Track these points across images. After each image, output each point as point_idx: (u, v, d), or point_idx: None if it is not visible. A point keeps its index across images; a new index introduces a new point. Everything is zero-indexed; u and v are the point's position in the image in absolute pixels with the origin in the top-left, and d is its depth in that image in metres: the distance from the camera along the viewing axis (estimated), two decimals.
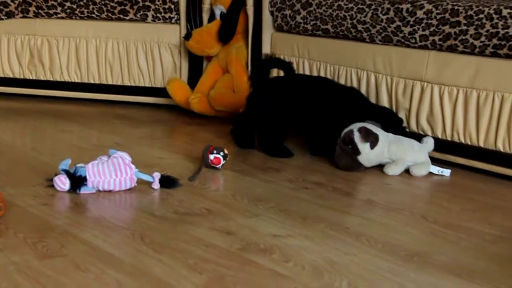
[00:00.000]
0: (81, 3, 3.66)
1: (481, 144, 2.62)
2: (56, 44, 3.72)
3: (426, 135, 2.75)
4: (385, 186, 2.47)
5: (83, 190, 2.21)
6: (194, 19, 3.60)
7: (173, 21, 3.65)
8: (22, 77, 3.80)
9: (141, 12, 3.63)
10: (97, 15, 3.69)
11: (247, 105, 2.87)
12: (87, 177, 2.20)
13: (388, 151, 2.60)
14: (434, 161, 2.67)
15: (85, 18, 3.71)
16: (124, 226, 1.94)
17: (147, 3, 3.61)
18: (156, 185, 2.29)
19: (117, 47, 3.69)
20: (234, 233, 1.92)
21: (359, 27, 2.93)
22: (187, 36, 3.49)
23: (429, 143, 2.67)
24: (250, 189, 2.37)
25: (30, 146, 2.84)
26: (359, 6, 2.93)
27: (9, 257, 1.68)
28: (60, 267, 1.64)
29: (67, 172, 2.20)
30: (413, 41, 2.77)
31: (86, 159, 2.33)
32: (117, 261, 1.69)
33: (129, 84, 3.73)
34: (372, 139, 2.56)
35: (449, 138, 2.71)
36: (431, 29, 2.70)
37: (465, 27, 2.60)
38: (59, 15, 3.72)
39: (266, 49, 3.38)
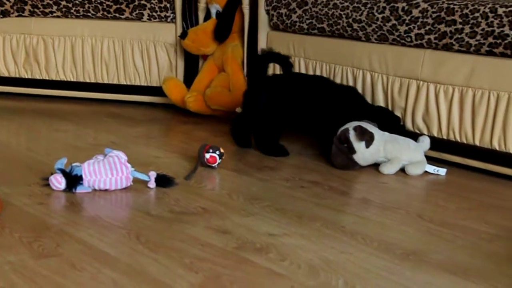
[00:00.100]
0: (77, 2, 3.66)
1: (477, 143, 2.62)
2: (52, 43, 3.72)
3: (422, 134, 2.75)
4: (381, 185, 2.47)
5: (79, 189, 2.20)
6: (190, 18, 3.60)
7: (169, 20, 3.64)
8: (17, 76, 3.80)
9: (137, 11, 3.63)
10: (92, 14, 3.68)
11: (243, 101, 2.87)
12: (83, 176, 2.20)
13: (383, 150, 2.60)
14: (430, 159, 2.68)
15: (81, 17, 3.71)
16: (120, 225, 1.94)
17: (142, 2, 3.61)
18: (152, 184, 2.29)
19: (113, 46, 3.69)
20: (230, 232, 1.92)
21: (355, 25, 2.93)
22: (183, 35, 3.49)
23: (425, 142, 2.67)
24: (246, 188, 2.37)
25: (25, 145, 2.84)
26: (355, 4, 2.93)
27: (5, 257, 1.68)
28: (55, 266, 1.64)
29: (62, 171, 2.20)
30: (409, 39, 2.77)
31: (82, 158, 2.32)
32: (113, 260, 1.69)
33: (125, 83, 3.72)
34: (368, 138, 2.56)
35: (444, 137, 2.71)
36: (427, 27, 2.70)
37: (460, 26, 2.60)
38: (54, 14, 3.71)
39: (266, 48, 3.37)
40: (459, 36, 2.61)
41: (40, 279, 1.57)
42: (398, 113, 2.82)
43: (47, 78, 3.77)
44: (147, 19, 3.65)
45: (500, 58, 2.54)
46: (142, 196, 2.22)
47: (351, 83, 2.98)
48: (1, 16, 3.73)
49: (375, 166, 2.64)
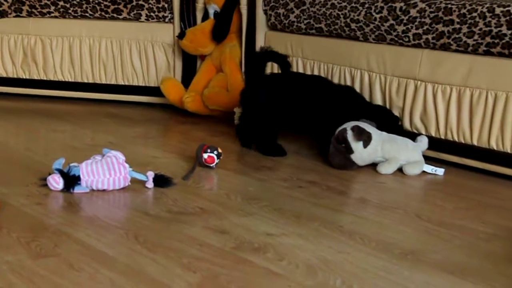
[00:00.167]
0: (75, 2, 3.66)
1: (475, 143, 2.62)
2: (50, 43, 3.72)
3: (420, 134, 2.75)
4: (378, 185, 2.47)
5: (77, 190, 2.20)
6: (188, 18, 3.60)
7: (166, 20, 3.64)
8: (15, 76, 3.79)
9: (135, 11, 3.63)
10: (90, 14, 3.68)
11: (241, 100, 2.86)
12: (81, 176, 2.20)
13: (381, 149, 2.60)
14: (428, 159, 2.68)
15: (79, 17, 3.71)
16: (118, 225, 1.94)
17: (140, 2, 3.61)
18: (150, 184, 2.29)
19: (110, 46, 3.69)
20: (228, 232, 1.92)
21: (353, 25, 2.93)
22: (181, 35, 3.49)
23: (423, 142, 2.68)
24: (244, 188, 2.37)
25: (23, 145, 2.83)
26: (353, 4, 2.93)
27: (3, 257, 1.68)
28: (53, 266, 1.64)
29: (60, 172, 2.20)
30: (407, 39, 2.77)
31: (80, 158, 2.32)
32: (110, 260, 1.69)
33: (123, 83, 3.72)
34: (365, 138, 2.56)
35: (442, 137, 2.71)
36: (425, 27, 2.70)
37: (458, 26, 2.61)
38: (52, 14, 3.71)
39: (265, 48, 3.37)
40: (457, 36, 2.61)
41: (38, 279, 1.57)
42: (396, 113, 2.82)
43: (45, 79, 3.77)
44: (145, 19, 3.65)
45: (497, 58, 2.54)
46: (140, 196, 2.22)
47: (349, 83, 2.99)
48: None
49: (373, 166, 2.64)
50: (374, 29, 2.86)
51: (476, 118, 2.60)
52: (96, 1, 3.64)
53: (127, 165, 2.24)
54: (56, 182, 2.20)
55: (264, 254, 1.77)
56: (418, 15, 2.71)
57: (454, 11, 2.62)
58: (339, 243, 1.87)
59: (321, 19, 3.06)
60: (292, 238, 1.89)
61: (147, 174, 2.29)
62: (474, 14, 2.56)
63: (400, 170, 2.61)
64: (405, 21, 2.75)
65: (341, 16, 2.97)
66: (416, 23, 2.72)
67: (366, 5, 2.88)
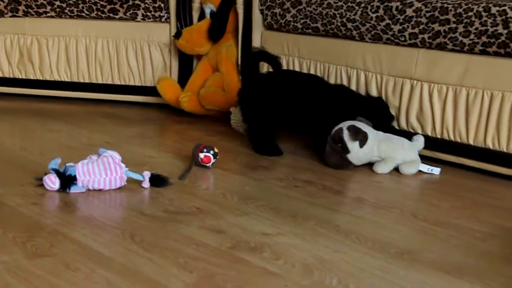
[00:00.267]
0: (71, 2, 3.65)
1: (471, 142, 2.63)
2: (46, 43, 3.71)
3: (416, 133, 2.75)
4: (375, 184, 2.47)
5: (73, 189, 2.20)
6: (184, 18, 3.60)
7: (163, 19, 3.64)
8: (11, 76, 3.79)
9: (131, 11, 3.63)
10: (86, 14, 3.68)
11: (238, 100, 2.86)
12: (77, 176, 2.19)
13: (377, 149, 2.60)
14: (424, 158, 2.68)
15: (75, 17, 3.70)
16: (114, 225, 1.94)
17: (136, 2, 3.61)
18: (146, 184, 2.29)
19: (107, 46, 3.69)
20: (224, 231, 1.92)
21: (349, 25, 2.93)
22: (177, 35, 3.49)
23: (419, 141, 2.68)
24: (240, 187, 2.37)
25: (19, 145, 2.83)
26: (349, 4, 2.93)
27: None
28: (49, 266, 1.64)
29: (56, 171, 2.20)
30: (403, 39, 2.77)
31: (76, 158, 2.32)
32: (107, 260, 1.69)
33: (119, 83, 3.72)
34: (361, 138, 2.56)
35: (439, 136, 2.72)
36: (421, 27, 2.70)
37: (454, 25, 2.61)
38: (48, 14, 3.71)
39: (259, 47, 3.38)
40: (453, 35, 2.62)
41: (34, 279, 1.57)
42: (392, 112, 2.82)
43: (41, 78, 3.77)
44: (141, 19, 3.65)
45: (493, 57, 2.55)
46: (136, 196, 2.22)
47: (345, 83, 2.98)
48: None
49: (369, 165, 2.64)
50: (370, 29, 2.86)
51: (472, 117, 2.60)
52: (92, 1, 3.63)
53: (123, 165, 2.24)
54: (52, 182, 2.19)
55: (260, 254, 1.77)
56: (414, 14, 2.72)
57: (450, 10, 2.62)
58: (336, 242, 1.87)
59: (318, 18, 3.06)
60: (288, 237, 1.90)
61: (143, 173, 2.29)
62: (470, 14, 2.56)
63: (396, 169, 2.61)
64: (401, 20, 2.75)
65: (337, 15, 2.97)
66: (412, 23, 2.72)
67: (362, 5, 2.88)
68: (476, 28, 2.55)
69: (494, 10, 2.51)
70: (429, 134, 2.74)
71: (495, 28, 2.50)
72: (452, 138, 2.68)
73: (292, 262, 1.72)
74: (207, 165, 2.55)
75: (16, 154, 2.68)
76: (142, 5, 3.61)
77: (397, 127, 2.82)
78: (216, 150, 2.56)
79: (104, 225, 1.93)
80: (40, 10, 3.69)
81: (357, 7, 2.89)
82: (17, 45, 3.74)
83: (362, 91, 2.93)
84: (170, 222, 1.97)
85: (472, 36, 2.56)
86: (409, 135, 2.73)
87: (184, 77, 3.62)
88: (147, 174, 2.29)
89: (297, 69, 3.20)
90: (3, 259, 1.66)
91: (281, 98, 2.78)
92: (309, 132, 2.84)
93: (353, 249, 1.83)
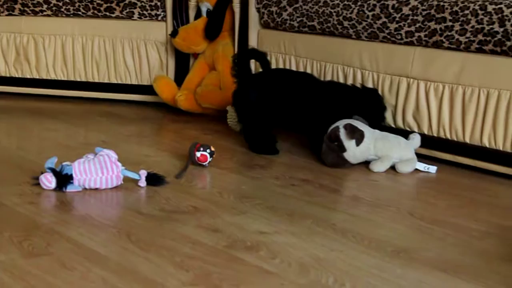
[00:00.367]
0: (67, 0, 3.65)
1: (467, 140, 2.63)
2: (42, 42, 3.71)
3: (412, 132, 2.75)
4: (371, 183, 2.47)
5: (69, 188, 2.20)
6: (180, 16, 3.60)
7: (159, 18, 3.64)
8: (8, 75, 3.79)
9: (127, 10, 3.62)
10: (83, 13, 3.67)
11: (233, 100, 2.86)
12: (73, 175, 2.19)
13: (374, 147, 2.60)
14: (420, 157, 2.68)
15: (71, 15, 3.70)
16: (110, 224, 1.94)
17: (133, 0, 3.60)
18: (143, 183, 2.29)
19: (103, 45, 3.68)
20: (221, 230, 1.92)
21: (345, 23, 2.93)
22: (174, 33, 3.49)
23: (415, 140, 2.68)
24: (236, 186, 2.37)
25: (15, 144, 2.83)
26: (345, 2, 2.93)
27: None
28: (46, 265, 1.64)
29: (53, 170, 2.20)
30: (399, 37, 2.77)
31: (73, 157, 2.32)
32: (103, 259, 1.69)
33: (115, 82, 3.72)
34: (358, 136, 2.56)
35: (435, 134, 2.72)
36: (417, 25, 2.70)
37: (450, 23, 2.61)
38: (44, 13, 3.70)
39: (252, 46, 3.38)
40: (449, 34, 2.62)
41: (30, 278, 1.57)
42: (388, 110, 2.82)
43: (37, 77, 3.76)
44: (138, 17, 3.64)
45: (490, 56, 2.55)
46: (132, 195, 2.22)
47: (341, 81, 2.98)
48: None
49: (366, 164, 2.64)
50: (367, 27, 2.86)
51: (469, 115, 2.60)
52: (89, 0, 3.63)
53: (119, 164, 2.24)
54: (49, 181, 2.19)
55: (256, 253, 1.77)
56: (410, 12, 2.72)
57: (446, 8, 2.62)
58: (332, 241, 1.88)
59: (314, 17, 3.06)
60: (284, 236, 1.90)
61: (140, 172, 2.29)
62: (466, 12, 2.56)
63: (392, 168, 2.61)
64: (397, 19, 2.75)
65: (334, 14, 2.97)
66: (409, 21, 2.72)
67: (359, 3, 2.88)
68: (473, 26, 2.55)
69: (490, 8, 2.51)
70: (426, 132, 2.74)
71: (491, 26, 2.50)
72: (448, 136, 2.68)
73: (288, 261, 1.72)
74: (204, 164, 2.55)
75: (13, 153, 2.68)
76: (139, 4, 3.61)
77: (393, 125, 2.82)
78: (212, 149, 2.56)
79: (101, 224, 1.93)
80: (37, 9, 3.69)
81: (353, 6, 2.89)
82: (13, 44, 3.74)
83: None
84: (166, 221, 1.97)
85: (468, 34, 2.56)
86: (405, 133, 2.73)
87: (180, 75, 3.62)
88: (143, 173, 2.29)
89: (293, 67, 3.20)
90: None
91: (274, 97, 2.78)
92: (305, 131, 2.84)
93: (349, 247, 1.83)
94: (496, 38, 2.49)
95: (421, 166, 2.62)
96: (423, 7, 2.68)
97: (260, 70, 2.95)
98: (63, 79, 3.75)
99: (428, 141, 2.72)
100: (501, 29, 2.47)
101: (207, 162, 2.55)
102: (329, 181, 2.46)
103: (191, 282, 1.58)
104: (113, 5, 3.62)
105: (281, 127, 2.89)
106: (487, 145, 2.57)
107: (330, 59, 3.04)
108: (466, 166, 2.66)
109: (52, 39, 3.70)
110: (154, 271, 1.63)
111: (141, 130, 3.17)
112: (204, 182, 2.42)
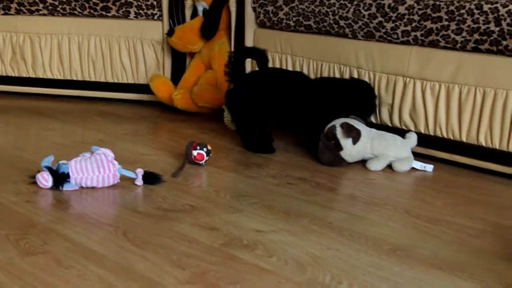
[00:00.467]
0: None
1: (464, 139, 2.63)
2: (38, 41, 3.71)
3: (409, 130, 2.76)
4: (368, 181, 2.47)
5: (66, 187, 2.20)
6: (176, 16, 3.60)
7: (155, 17, 3.64)
8: (4, 74, 3.79)
9: (124, 9, 3.62)
10: (79, 12, 3.67)
11: (226, 99, 2.85)
12: (70, 174, 2.19)
13: (370, 146, 2.61)
14: (417, 156, 2.69)
15: (67, 14, 3.70)
16: (107, 222, 1.94)
17: (129, 0, 3.60)
18: (139, 182, 2.29)
19: (99, 44, 3.68)
20: (218, 228, 1.92)
21: (342, 22, 2.93)
22: (170, 33, 3.49)
23: (412, 139, 2.68)
24: (233, 185, 2.37)
25: (12, 143, 2.83)
26: (341, 1, 2.93)
27: None
28: (42, 264, 1.64)
29: (49, 169, 2.20)
30: (395, 36, 2.78)
31: (69, 156, 2.32)
32: (100, 258, 1.69)
33: (112, 81, 3.72)
34: (354, 135, 2.56)
35: (431, 133, 2.72)
36: (413, 24, 2.71)
37: (446, 23, 2.61)
38: (41, 12, 3.70)
39: (248, 45, 3.38)
40: (445, 33, 2.62)
41: (26, 276, 1.56)
42: (385, 109, 2.83)
43: (33, 76, 3.76)
44: (134, 16, 3.64)
45: (486, 55, 2.55)
46: (129, 193, 2.22)
47: None
48: None
49: (362, 162, 2.65)
50: (363, 26, 2.86)
51: (465, 114, 2.61)
52: None
53: (116, 163, 2.24)
54: (45, 179, 2.19)
55: (253, 251, 1.77)
56: (406, 12, 2.72)
57: (443, 8, 2.62)
58: (329, 239, 1.88)
59: (310, 16, 3.06)
60: (281, 234, 1.90)
61: (136, 171, 2.29)
62: (462, 11, 2.57)
63: (389, 166, 2.62)
64: (393, 18, 2.75)
65: (330, 13, 2.97)
66: (405, 20, 2.72)
67: (355, 2, 2.88)
68: (469, 26, 2.55)
69: (486, 7, 2.51)
70: (422, 131, 2.74)
71: (487, 25, 2.50)
72: (445, 135, 2.68)
73: (285, 259, 1.73)
74: (200, 162, 2.55)
75: (10, 152, 2.68)
76: (135, 3, 3.61)
77: (389, 124, 2.82)
78: (209, 147, 2.56)
79: (97, 222, 1.93)
80: (33, 8, 3.69)
81: (349, 5, 2.90)
82: (9, 43, 3.74)
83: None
84: (163, 220, 1.97)
85: (464, 34, 2.57)
86: (402, 132, 2.73)
87: (177, 74, 3.62)
88: (140, 172, 2.29)
89: (290, 67, 3.20)
90: None
91: (266, 96, 2.78)
92: (300, 129, 2.84)
93: (346, 246, 1.84)
94: (492, 37, 2.50)
95: (418, 164, 2.62)
96: (419, 7, 2.69)
97: (256, 69, 2.95)
98: (59, 78, 3.75)
99: (424, 140, 2.72)
100: (497, 29, 2.48)
101: (204, 160, 2.55)
102: (326, 179, 2.46)
103: (188, 280, 1.58)
104: (109, 4, 3.62)
105: (275, 126, 2.89)
106: (484, 144, 2.58)
107: (327, 58, 3.04)
108: (463, 165, 2.67)
109: (48, 38, 3.70)
110: (150, 269, 1.63)
111: (137, 129, 3.17)
112: (201, 180, 2.42)
